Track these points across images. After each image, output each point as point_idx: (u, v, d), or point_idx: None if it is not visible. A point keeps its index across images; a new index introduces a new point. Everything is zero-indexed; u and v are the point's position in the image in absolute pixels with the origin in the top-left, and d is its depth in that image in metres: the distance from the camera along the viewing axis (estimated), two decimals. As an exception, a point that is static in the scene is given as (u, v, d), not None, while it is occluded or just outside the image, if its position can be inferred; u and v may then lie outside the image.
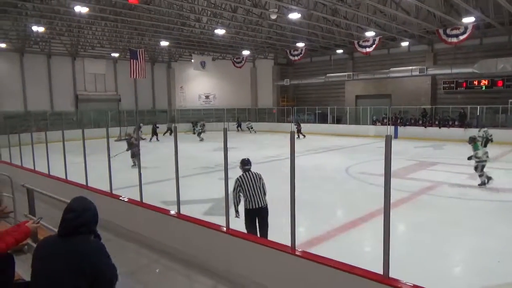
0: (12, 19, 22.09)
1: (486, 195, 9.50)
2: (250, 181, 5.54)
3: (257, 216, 5.49)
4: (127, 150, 14.34)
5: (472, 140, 10.60)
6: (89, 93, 30.77)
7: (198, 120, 30.21)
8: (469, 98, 23.90)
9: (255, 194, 5.47)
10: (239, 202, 5.61)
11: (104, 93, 31.71)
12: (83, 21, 22.38)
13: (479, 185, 10.23)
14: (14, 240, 3.06)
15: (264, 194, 5.60)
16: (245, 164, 5.76)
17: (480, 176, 10.27)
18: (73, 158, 8.28)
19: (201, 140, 24.57)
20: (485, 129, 16.14)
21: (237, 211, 5.64)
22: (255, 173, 5.68)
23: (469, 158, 10.53)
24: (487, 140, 15.55)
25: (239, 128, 31.64)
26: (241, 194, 5.53)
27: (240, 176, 5.61)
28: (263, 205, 5.49)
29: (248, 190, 5.47)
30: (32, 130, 11.41)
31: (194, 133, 28.54)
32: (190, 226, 5.19)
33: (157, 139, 24.36)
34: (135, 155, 13.08)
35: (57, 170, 8.74)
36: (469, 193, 9.66)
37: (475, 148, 10.38)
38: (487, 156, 10.37)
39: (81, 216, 2.32)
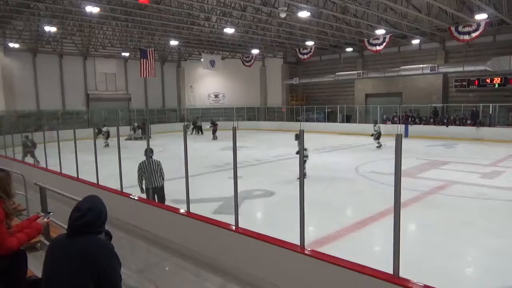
0: (25, 20, 22.44)
1: (499, 195, 9.35)
2: (149, 166, 7.00)
3: (154, 193, 6.92)
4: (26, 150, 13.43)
5: (297, 137, 11.02)
6: (100, 92, 31.08)
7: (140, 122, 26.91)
8: (481, 96, 23.55)
9: (152, 176, 6.99)
10: (142, 181, 7.09)
11: (115, 92, 32.01)
12: (94, 21, 22.62)
13: (298, 178, 10.89)
14: (27, 237, 3.12)
15: (160, 176, 7.07)
16: (148, 152, 7.15)
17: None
18: (85, 157, 8.38)
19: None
20: (378, 124, 18.51)
21: (141, 188, 7.12)
22: (155, 160, 7.09)
23: (297, 153, 11.37)
24: (379, 134, 18.00)
25: (194, 130, 28.54)
26: (143, 175, 7.06)
27: (142, 162, 7.06)
28: (158, 185, 7.02)
29: (147, 173, 6.98)
30: (44, 129, 11.57)
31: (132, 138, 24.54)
32: (200, 225, 5.21)
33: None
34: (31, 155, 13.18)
35: (68, 169, 8.86)
36: (481, 193, 9.52)
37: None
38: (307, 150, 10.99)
39: (85, 215, 2.32)
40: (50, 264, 2.33)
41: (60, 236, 2.48)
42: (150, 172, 6.97)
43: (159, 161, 7.15)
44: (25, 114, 24.83)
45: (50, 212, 3.77)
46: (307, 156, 10.99)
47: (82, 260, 2.22)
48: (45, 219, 3.40)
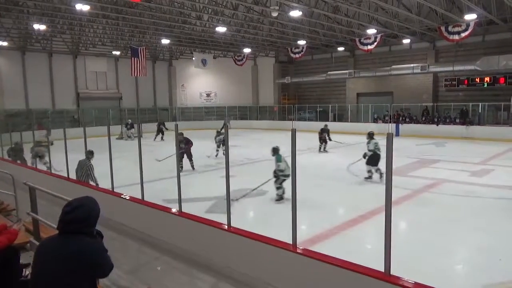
0: (14, 17, 22.14)
1: (488, 192, 9.48)
2: (79, 165, 8.07)
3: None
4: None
5: (275, 151, 9.02)
6: (90, 91, 30.77)
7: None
8: (470, 96, 23.85)
9: (80, 173, 8.02)
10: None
11: (106, 91, 31.71)
12: (84, 19, 22.38)
13: (276, 200, 8.79)
14: (7, 240, 3.11)
15: (85, 174, 7.98)
16: (89, 153, 8.11)
17: (278, 188, 8.84)
18: (75, 156, 8.30)
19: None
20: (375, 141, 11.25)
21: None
22: (87, 162, 8.05)
23: (276, 173, 8.92)
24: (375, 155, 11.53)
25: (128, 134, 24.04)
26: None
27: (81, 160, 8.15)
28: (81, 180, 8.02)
29: (79, 170, 8.07)
30: (33, 129, 11.42)
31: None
32: (192, 224, 5.19)
33: (162, 138, 23.16)
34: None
35: (59, 168, 8.77)
36: (471, 191, 9.64)
37: (278, 160, 8.86)
38: (288, 167, 8.48)
39: (76, 209, 2.32)
40: (39, 264, 2.30)
41: (50, 237, 2.46)
42: (77, 170, 8.04)
43: (89, 164, 8.00)
44: (13, 113, 24.49)
45: (19, 219, 3.80)
46: (288, 175, 8.26)
47: (72, 261, 2.20)
48: (17, 226, 3.45)
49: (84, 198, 2.47)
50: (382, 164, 10.80)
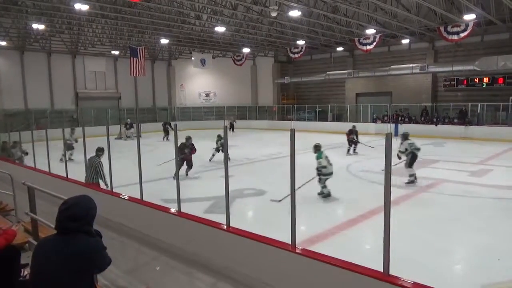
0: (13, 17, 22.11)
1: (487, 192, 9.49)
2: (89, 162, 8.00)
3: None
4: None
5: (316, 149, 9.30)
6: (89, 91, 30.76)
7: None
8: (469, 96, 23.88)
9: (88, 171, 7.97)
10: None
11: (104, 91, 31.70)
12: (83, 18, 22.36)
13: (323, 196, 9.07)
14: (5, 241, 3.11)
15: (93, 172, 7.86)
16: (98, 150, 8.09)
17: (323, 187, 9.13)
18: (74, 156, 8.30)
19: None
20: (411, 141, 10.78)
21: None
22: (96, 159, 7.96)
23: (319, 171, 9.02)
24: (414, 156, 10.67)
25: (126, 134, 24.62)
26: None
27: (91, 157, 8.08)
28: (89, 181, 7.86)
29: (88, 168, 8.01)
30: (32, 128, 11.40)
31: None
32: (191, 224, 5.19)
33: (167, 138, 23.05)
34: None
35: (57, 168, 8.76)
36: (470, 191, 9.65)
37: (318, 157, 9.10)
38: (330, 164, 9.15)
39: (72, 207, 2.31)
40: (38, 265, 2.29)
41: (48, 237, 2.45)
42: (87, 167, 7.93)
43: (98, 161, 7.90)
44: (12, 113, 24.44)
45: (18, 220, 3.80)
46: (331, 173, 9.16)
47: (72, 261, 2.19)
48: (15, 227, 3.45)
49: (81, 196, 2.46)
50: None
